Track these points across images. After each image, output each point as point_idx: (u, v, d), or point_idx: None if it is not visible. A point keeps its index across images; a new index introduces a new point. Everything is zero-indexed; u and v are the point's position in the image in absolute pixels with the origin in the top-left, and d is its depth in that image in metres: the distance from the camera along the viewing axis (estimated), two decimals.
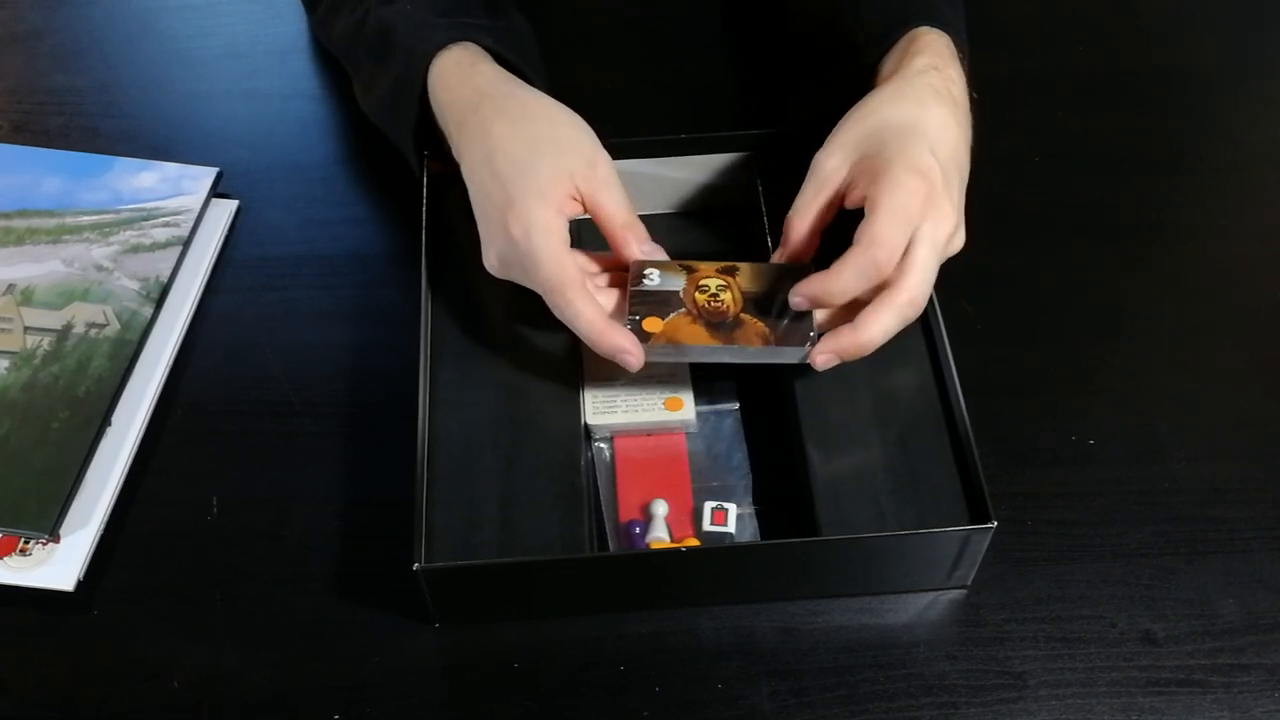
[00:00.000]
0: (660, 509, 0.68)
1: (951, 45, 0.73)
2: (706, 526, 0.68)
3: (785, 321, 0.67)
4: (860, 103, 0.70)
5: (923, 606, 0.67)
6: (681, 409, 0.71)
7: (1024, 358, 0.77)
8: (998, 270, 0.80)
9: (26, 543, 0.68)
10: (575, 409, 0.69)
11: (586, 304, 0.65)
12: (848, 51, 0.76)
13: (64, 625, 0.67)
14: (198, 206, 0.83)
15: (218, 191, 0.84)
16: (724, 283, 0.69)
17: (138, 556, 0.69)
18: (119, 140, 0.88)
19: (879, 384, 0.69)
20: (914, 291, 0.65)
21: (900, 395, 0.69)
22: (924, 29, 0.73)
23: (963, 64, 0.73)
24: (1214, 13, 0.98)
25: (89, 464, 0.71)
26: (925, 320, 0.71)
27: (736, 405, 0.73)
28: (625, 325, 0.66)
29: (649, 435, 0.71)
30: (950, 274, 0.73)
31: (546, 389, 0.70)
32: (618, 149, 0.78)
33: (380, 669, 0.65)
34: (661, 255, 0.70)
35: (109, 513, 0.70)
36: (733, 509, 0.68)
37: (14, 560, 0.68)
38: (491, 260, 0.69)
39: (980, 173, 0.83)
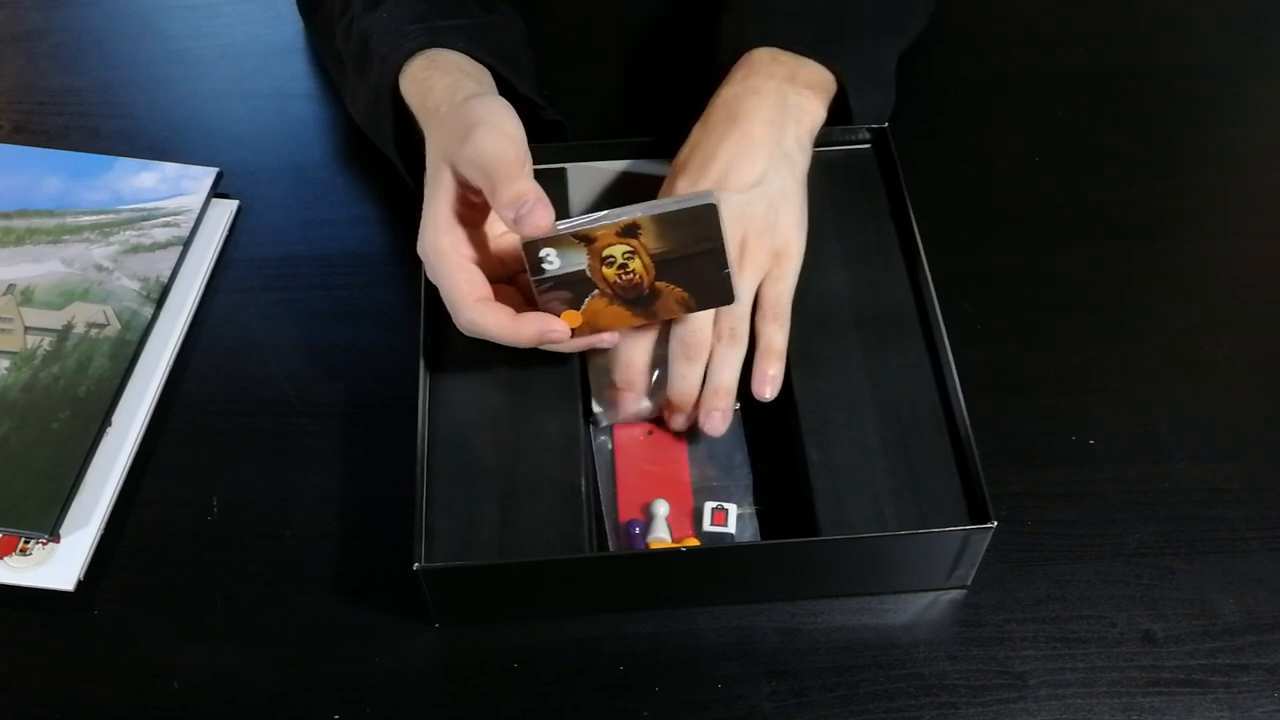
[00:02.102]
0: (661, 509, 0.68)
1: (778, 57, 0.75)
2: (706, 526, 0.68)
3: (702, 280, 0.65)
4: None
5: (923, 606, 0.67)
6: None
7: (1024, 358, 0.77)
8: (998, 270, 0.80)
9: (26, 543, 0.68)
10: (575, 409, 0.69)
11: (486, 313, 0.64)
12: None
13: (64, 625, 0.67)
14: (198, 206, 0.83)
15: (218, 191, 0.84)
16: (629, 248, 0.64)
17: (138, 556, 0.69)
18: (119, 140, 0.88)
19: (879, 384, 0.69)
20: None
21: (900, 395, 0.69)
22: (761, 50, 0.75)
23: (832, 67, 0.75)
24: (1214, 13, 0.98)
25: (89, 464, 0.71)
26: (925, 320, 0.71)
27: (737, 405, 0.73)
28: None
29: (649, 434, 0.72)
30: (950, 274, 0.73)
31: (546, 389, 0.70)
32: (613, 150, 0.79)
33: (380, 669, 0.65)
34: (540, 215, 0.62)
35: (109, 513, 0.70)
36: (733, 509, 0.68)
37: (14, 560, 0.68)
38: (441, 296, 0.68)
39: (980, 173, 0.84)
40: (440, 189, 0.66)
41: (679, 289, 0.66)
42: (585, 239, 0.63)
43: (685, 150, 0.73)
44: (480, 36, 0.75)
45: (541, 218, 0.62)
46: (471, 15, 0.77)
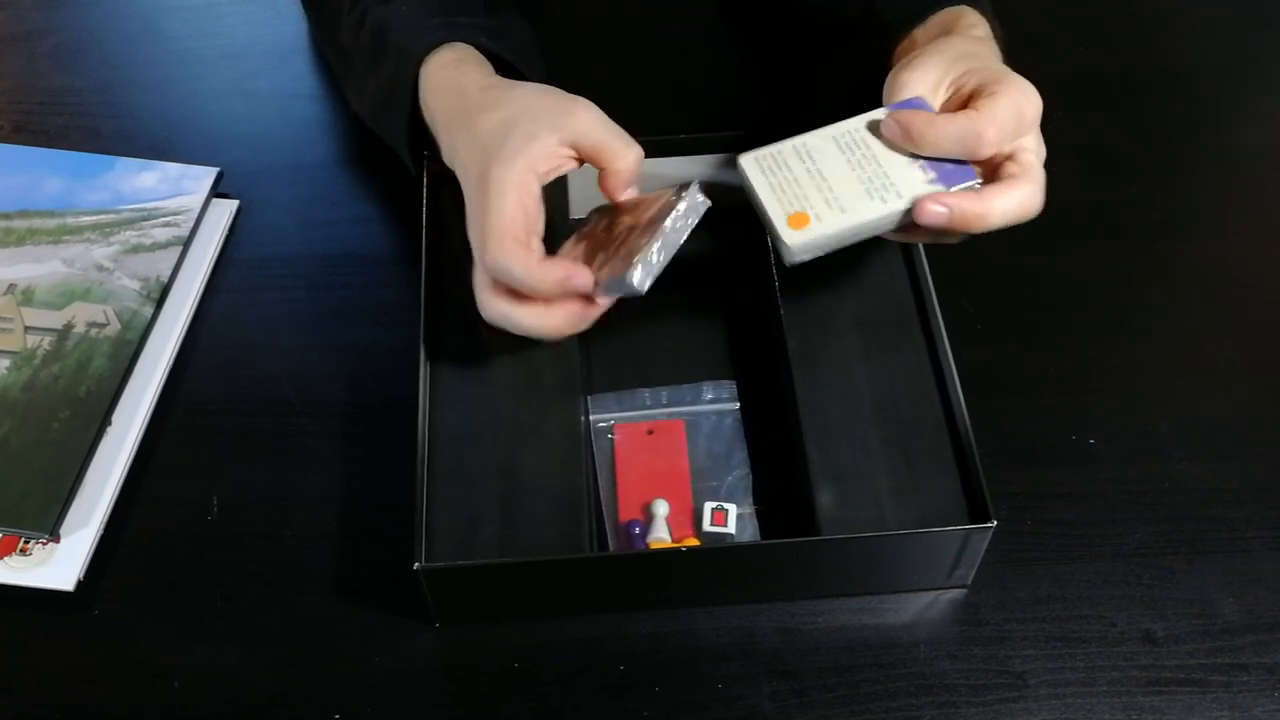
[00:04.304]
0: (661, 509, 0.68)
1: (989, 29, 0.73)
2: (706, 527, 0.68)
3: (634, 249, 0.64)
4: (934, 43, 0.69)
5: (923, 606, 0.67)
6: (797, 232, 0.64)
7: (1024, 358, 0.77)
8: (998, 270, 0.80)
9: (27, 543, 0.68)
10: (575, 409, 0.69)
11: (517, 254, 0.63)
12: (873, 28, 0.75)
13: (64, 625, 0.67)
14: (198, 206, 0.83)
15: (218, 191, 0.84)
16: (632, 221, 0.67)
17: (138, 556, 0.69)
18: (119, 140, 0.88)
19: (879, 384, 0.69)
20: (1036, 185, 0.65)
21: (900, 395, 0.69)
22: (966, 9, 0.73)
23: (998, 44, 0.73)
24: (1214, 13, 0.98)
25: (89, 464, 0.71)
26: (925, 320, 0.71)
27: (736, 405, 0.73)
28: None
29: (650, 434, 0.72)
30: (950, 274, 0.73)
31: (546, 389, 0.70)
32: None
33: (380, 669, 0.65)
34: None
35: (109, 513, 0.70)
36: (733, 509, 0.68)
37: (14, 560, 0.68)
38: (470, 239, 0.66)
39: None
40: (515, 142, 0.64)
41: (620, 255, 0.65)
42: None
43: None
44: (498, 36, 0.75)
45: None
46: (479, 16, 0.77)
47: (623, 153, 0.66)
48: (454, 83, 0.71)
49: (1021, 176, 0.65)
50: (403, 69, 0.73)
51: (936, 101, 0.67)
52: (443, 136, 0.70)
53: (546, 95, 0.68)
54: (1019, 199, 0.64)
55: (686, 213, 0.64)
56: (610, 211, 0.69)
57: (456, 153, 0.68)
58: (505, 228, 0.63)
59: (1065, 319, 0.79)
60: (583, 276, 0.63)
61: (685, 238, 0.64)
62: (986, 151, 0.64)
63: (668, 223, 0.63)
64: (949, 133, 0.64)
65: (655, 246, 0.63)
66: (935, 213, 0.63)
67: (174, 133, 0.89)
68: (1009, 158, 0.66)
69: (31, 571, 0.68)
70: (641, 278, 0.62)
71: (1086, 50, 0.95)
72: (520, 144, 0.65)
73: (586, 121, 0.66)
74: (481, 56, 0.73)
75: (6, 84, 0.93)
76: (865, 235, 0.65)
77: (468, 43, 0.73)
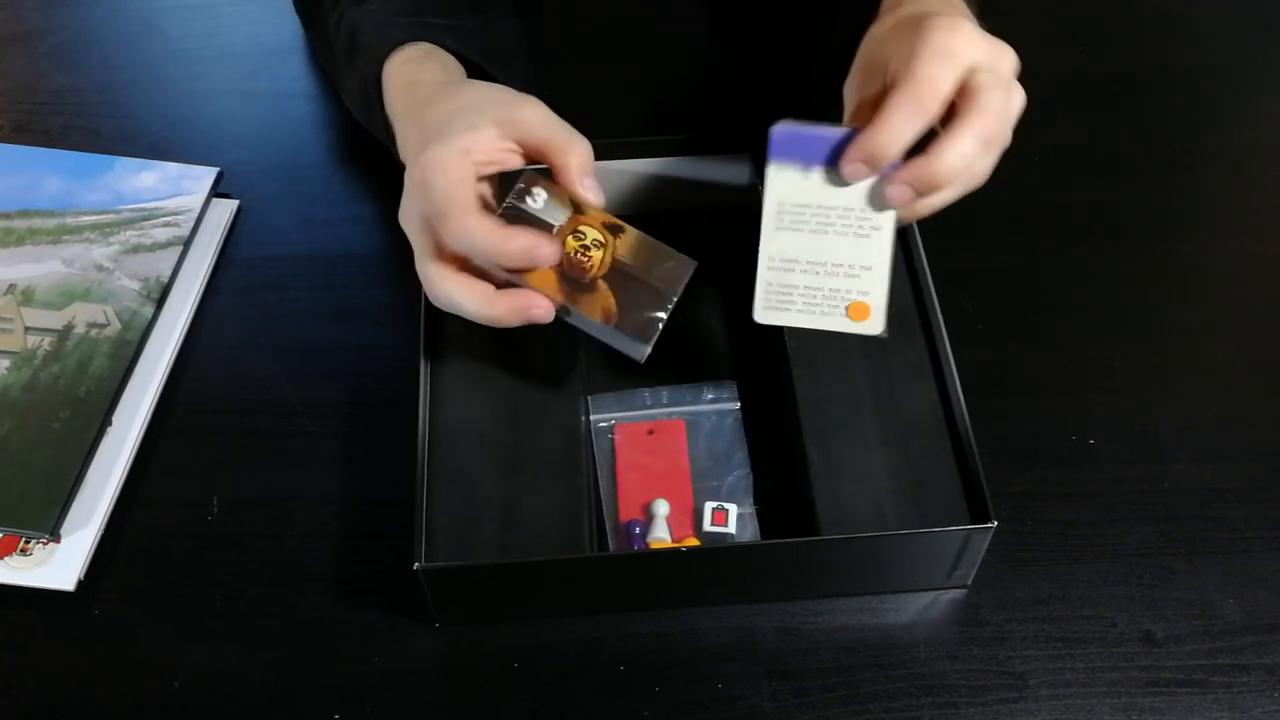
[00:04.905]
0: (662, 509, 0.68)
1: None
2: (707, 527, 0.68)
3: (637, 306, 0.64)
4: (856, 61, 0.68)
5: (923, 606, 0.67)
6: (868, 318, 0.64)
7: (1024, 358, 0.77)
8: (998, 270, 0.80)
9: (27, 543, 0.68)
10: (575, 409, 0.69)
11: (479, 220, 0.63)
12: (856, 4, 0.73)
13: (64, 625, 0.67)
14: (198, 206, 0.83)
15: (218, 191, 0.84)
16: (602, 239, 0.65)
17: (138, 556, 0.69)
18: (119, 140, 0.88)
19: (879, 385, 0.69)
20: (990, 112, 0.60)
21: (900, 395, 0.69)
22: None
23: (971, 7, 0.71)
24: (1214, 13, 0.98)
25: (89, 464, 0.71)
26: (925, 320, 0.71)
27: (737, 405, 0.73)
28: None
29: (650, 434, 0.72)
30: (950, 274, 0.73)
31: (546, 389, 0.70)
32: (616, 149, 0.79)
33: (380, 669, 0.65)
34: (600, 197, 0.65)
35: (109, 513, 0.70)
36: (733, 509, 0.68)
37: (14, 560, 0.68)
38: (401, 212, 0.67)
39: None
40: (456, 127, 0.64)
41: (613, 299, 0.65)
42: (578, 206, 0.65)
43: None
44: (469, 37, 0.75)
45: (599, 199, 0.65)
46: (461, 16, 0.77)
47: (570, 145, 0.65)
48: (412, 78, 0.71)
49: (965, 110, 0.61)
50: (370, 68, 0.73)
51: (853, 102, 0.66)
52: (397, 130, 0.70)
53: (495, 91, 0.68)
54: (971, 135, 0.61)
55: (681, 290, 0.65)
56: (561, 205, 0.66)
57: (407, 142, 0.68)
58: (458, 199, 0.63)
59: (1065, 319, 0.79)
60: (547, 248, 0.62)
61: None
62: (936, 106, 0.61)
63: (675, 300, 0.65)
64: (896, 124, 0.61)
65: (661, 321, 0.64)
66: (898, 194, 0.62)
67: (174, 133, 0.89)
68: (960, 90, 0.62)
69: (32, 571, 0.68)
70: (646, 352, 0.64)
71: (1086, 50, 0.95)
72: (459, 131, 0.65)
73: (531, 117, 0.65)
74: (450, 56, 0.73)
75: (6, 84, 0.93)
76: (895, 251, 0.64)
77: (433, 43, 0.73)
